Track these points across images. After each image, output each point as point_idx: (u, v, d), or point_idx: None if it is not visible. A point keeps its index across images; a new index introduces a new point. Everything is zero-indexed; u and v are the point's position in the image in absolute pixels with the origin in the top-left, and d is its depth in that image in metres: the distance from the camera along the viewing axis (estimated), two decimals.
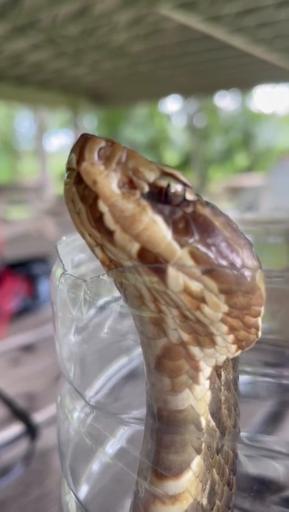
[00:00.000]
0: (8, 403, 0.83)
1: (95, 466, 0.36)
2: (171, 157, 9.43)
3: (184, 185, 0.25)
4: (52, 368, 1.02)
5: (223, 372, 0.27)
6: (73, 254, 0.35)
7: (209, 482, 0.27)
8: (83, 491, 0.35)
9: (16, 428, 0.77)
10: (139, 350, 0.28)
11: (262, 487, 0.39)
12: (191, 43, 2.84)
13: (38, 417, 0.80)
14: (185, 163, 8.77)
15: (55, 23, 2.34)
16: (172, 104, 9.18)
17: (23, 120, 9.78)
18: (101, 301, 0.29)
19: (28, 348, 1.14)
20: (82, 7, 2.15)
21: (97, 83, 4.36)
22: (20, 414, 0.80)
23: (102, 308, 0.29)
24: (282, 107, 11.46)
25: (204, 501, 0.27)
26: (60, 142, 10.10)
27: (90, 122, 8.39)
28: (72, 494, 0.33)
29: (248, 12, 2.29)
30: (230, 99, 8.81)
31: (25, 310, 1.37)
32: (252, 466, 0.39)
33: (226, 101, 8.98)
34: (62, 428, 0.34)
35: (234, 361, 0.28)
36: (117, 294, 0.27)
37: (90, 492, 0.35)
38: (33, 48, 2.87)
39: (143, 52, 3.04)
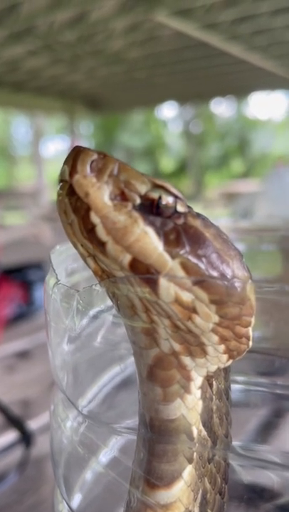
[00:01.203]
0: (3, 410, 0.82)
1: (88, 475, 0.35)
2: (167, 163, 9.44)
3: (175, 197, 0.25)
4: (47, 374, 1.01)
5: (214, 382, 0.27)
6: (67, 262, 0.35)
7: (201, 491, 0.27)
8: (76, 499, 0.35)
9: (11, 435, 0.77)
10: (132, 358, 0.28)
11: (255, 495, 0.39)
12: (187, 50, 2.85)
13: (33, 424, 0.79)
14: (181, 170, 8.79)
15: (52, 29, 2.35)
16: (168, 111, 9.22)
17: (19, 126, 9.80)
18: (94, 311, 0.29)
19: (23, 355, 1.14)
20: (78, 14, 2.16)
21: (93, 89, 4.37)
22: (15, 422, 0.79)
23: (95, 317, 0.29)
24: (277, 113, 11.53)
25: (196, 511, 0.27)
26: (56, 148, 10.11)
27: (86, 128, 8.40)
28: (65, 503, 0.33)
29: (244, 19, 2.31)
30: (226, 105, 8.86)
31: (21, 316, 1.36)
32: (245, 474, 0.39)
33: (221, 107, 9.03)
34: (55, 437, 0.34)
35: (225, 371, 0.28)
36: (109, 303, 0.27)
37: (83, 501, 0.35)
38: (30, 54, 2.88)
39: (139, 59, 3.05)
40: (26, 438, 0.74)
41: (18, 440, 0.75)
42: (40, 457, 0.72)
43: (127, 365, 0.32)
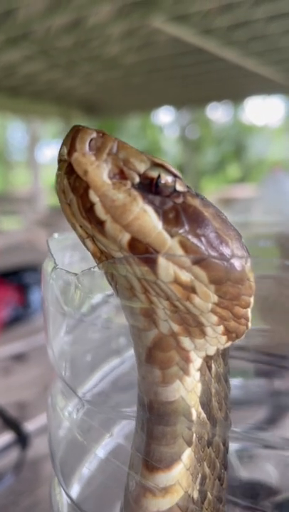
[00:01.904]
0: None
1: (87, 463, 0.36)
2: None
3: (174, 176, 0.25)
4: (43, 377, 1.02)
5: (213, 365, 0.27)
6: (64, 251, 0.35)
7: (200, 475, 0.27)
8: (75, 489, 0.35)
9: (7, 437, 0.77)
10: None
11: (254, 491, 0.39)
12: (184, 56, 2.86)
13: (29, 426, 0.79)
14: None
15: (49, 34, 2.35)
16: (165, 116, 9.22)
17: (15, 131, 9.79)
18: (93, 294, 0.29)
19: (19, 357, 1.14)
20: (75, 19, 2.16)
21: (89, 94, 4.38)
22: (11, 423, 0.80)
23: (94, 300, 0.29)
24: (273, 119, 11.56)
25: (195, 494, 0.27)
26: (52, 153, 10.10)
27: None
28: (64, 493, 0.33)
29: (240, 25, 2.31)
30: (222, 111, 8.87)
31: (17, 319, 1.36)
32: (245, 471, 0.39)
33: (218, 113, 9.04)
34: (53, 427, 0.34)
35: (224, 355, 0.28)
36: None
37: (82, 489, 0.35)
38: (26, 59, 2.88)
39: (136, 64, 3.05)
40: (22, 440, 0.74)
41: (14, 442, 0.75)
42: (37, 459, 0.72)
43: (125, 359, 0.33)
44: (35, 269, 1.51)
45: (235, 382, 0.31)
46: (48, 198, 6.82)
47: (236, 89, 4.32)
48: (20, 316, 1.38)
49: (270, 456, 0.42)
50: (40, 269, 1.01)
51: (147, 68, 3.19)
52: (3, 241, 3.05)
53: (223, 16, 2.16)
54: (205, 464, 0.27)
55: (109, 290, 0.27)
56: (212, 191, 7.46)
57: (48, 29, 2.29)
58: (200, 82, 3.82)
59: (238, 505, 0.33)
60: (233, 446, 0.48)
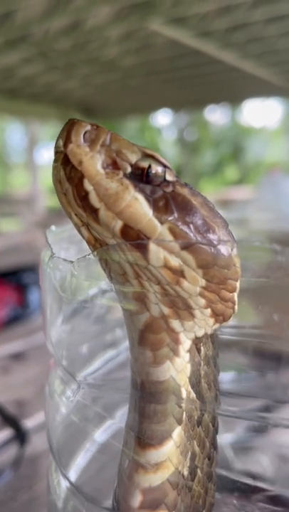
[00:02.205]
0: None
1: (86, 444, 0.37)
2: None
3: (164, 166, 0.27)
4: (42, 376, 1.02)
5: (202, 348, 0.29)
6: (61, 244, 0.36)
7: (190, 453, 0.29)
8: (72, 472, 0.36)
9: (6, 434, 0.78)
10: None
11: (247, 484, 0.40)
12: (182, 58, 2.86)
13: (28, 424, 0.80)
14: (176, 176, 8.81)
15: (47, 37, 2.35)
16: (163, 118, 9.23)
17: (14, 133, 9.80)
18: (87, 281, 0.30)
19: (17, 357, 1.15)
20: (73, 22, 2.16)
21: (88, 96, 4.38)
22: (10, 420, 0.81)
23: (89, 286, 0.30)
24: (271, 121, 11.56)
25: (185, 471, 0.29)
26: (50, 155, 10.11)
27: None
28: (62, 477, 0.34)
29: (238, 28, 2.31)
30: (220, 113, 8.88)
31: (16, 319, 1.37)
32: (239, 463, 0.40)
33: (216, 115, 9.05)
34: (50, 408, 0.36)
35: (213, 339, 0.30)
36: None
37: (80, 472, 0.37)
38: (25, 62, 2.88)
39: (134, 67, 3.06)
40: (21, 436, 0.76)
41: (13, 438, 0.76)
42: (35, 455, 0.73)
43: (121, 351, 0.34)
44: (33, 269, 1.51)
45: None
46: (47, 200, 6.83)
47: (234, 91, 4.33)
48: (18, 316, 1.39)
49: (265, 448, 0.43)
50: (39, 269, 1.03)
51: (145, 70, 3.20)
52: (2, 242, 3.05)
53: (221, 19, 2.16)
54: (195, 442, 0.29)
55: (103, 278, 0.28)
56: (210, 192, 7.47)
57: (46, 31, 2.29)
58: (198, 84, 3.82)
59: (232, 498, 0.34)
60: (228, 438, 0.49)
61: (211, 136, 9.51)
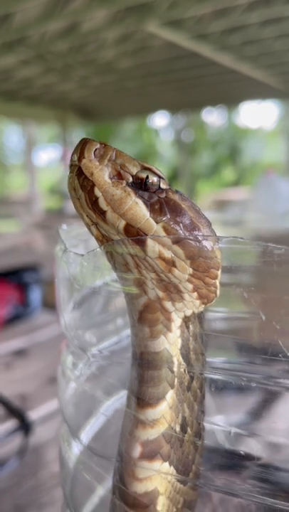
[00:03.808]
0: (4, 402, 0.86)
1: (92, 410, 0.41)
2: None
3: (159, 177, 0.33)
4: (43, 371, 1.05)
5: (191, 326, 0.34)
6: (71, 241, 0.40)
7: (181, 414, 0.34)
8: (84, 437, 0.40)
9: (11, 425, 0.80)
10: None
11: (238, 462, 0.42)
12: (178, 60, 2.88)
13: (31, 415, 0.83)
14: (173, 178, 8.80)
15: (44, 39, 2.37)
16: (160, 120, 9.25)
17: (11, 135, 9.81)
18: (95, 271, 0.35)
19: (20, 353, 1.17)
20: (70, 24, 2.18)
21: (85, 98, 4.40)
22: (14, 412, 0.83)
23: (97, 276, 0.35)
24: (267, 122, 11.60)
25: (177, 428, 0.34)
26: (48, 157, 10.14)
27: (78, 137, 8.38)
28: (74, 443, 0.38)
29: (234, 30, 2.34)
30: (217, 114, 8.90)
31: (17, 317, 1.40)
32: (228, 443, 0.42)
33: (213, 116, 9.07)
34: (63, 384, 0.39)
35: (200, 320, 0.35)
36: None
37: (92, 436, 0.41)
38: (22, 64, 2.90)
39: (131, 69, 3.08)
40: (26, 427, 0.78)
41: (17, 429, 0.79)
42: (39, 445, 0.76)
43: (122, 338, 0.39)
44: (34, 268, 1.53)
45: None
46: (45, 201, 6.85)
47: (231, 93, 4.34)
48: (20, 314, 1.41)
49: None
50: (40, 268, 1.07)
51: (142, 72, 3.22)
52: (2, 243, 3.07)
53: (217, 21, 2.19)
54: (185, 405, 0.35)
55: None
56: (207, 194, 7.50)
57: (43, 34, 2.31)
58: (195, 87, 3.84)
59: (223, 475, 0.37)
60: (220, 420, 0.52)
61: (208, 138, 9.52)
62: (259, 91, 4.13)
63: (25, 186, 7.04)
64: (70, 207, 5.30)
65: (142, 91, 3.95)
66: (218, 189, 8.25)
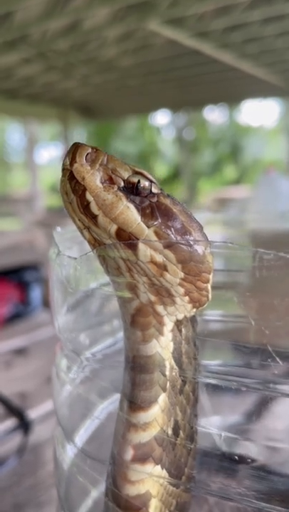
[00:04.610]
0: (3, 400, 0.86)
1: (86, 412, 0.41)
2: (161, 169, 9.46)
3: (150, 181, 0.32)
4: (43, 370, 1.06)
5: (183, 329, 0.34)
6: (65, 243, 0.40)
7: (173, 417, 0.34)
8: (78, 440, 0.40)
9: (10, 424, 0.80)
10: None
11: (234, 464, 0.42)
12: (180, 58, 2.88)
13: (31, 414, 0.83)
14: (174, 176, 8.80)
15: (46, 37, 2.37)
16: (162, 118, 9.25)
17: (13, 133, 9.81)
18: (88, 274, 0.35)
19: (20, 352, 1.18)
20: (72, 22, 2.18)
21: (86, 96, 4.40)
22: (14, 411, 0.83)
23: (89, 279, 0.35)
24: (269, 120, 11.58)
25: (169, 431, 0.34)
26: (50, 155, 10.15)
27: (79, 135, 8.40)
28: (68, 445, 0.39)
29: (235, 28, 2.33)
30: (218, 112, 8.89)
31: (17, 315, 1.40)
32: (226, 444, 0.43)
33: (214, 114, 9.06)
34: (57, 385, 0.40)
35: (193, 323, 0.35)
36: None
37: (86, 439, 0.41)
38: (24, 62, 2.90)
39: (132, 67, 3.08)
40: (25, 425, 0.78)
41: (16, 427, 0.79)
42: (38, 444, 0.76)
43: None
44: (34, 267, 1.54)
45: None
46: (46, 199, 6.85)
47: (232, 91, 4.34)
48: (20, 313, 1.41)
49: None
50: (40, 267, 1.07)
51: (144, 71, 3.22)
52: (3, 241, 3.07)
53: (218, 19, 2.18)
54: (177, 408, 0.35)
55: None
56: (208, 192, 7.49)
57: (45, 32, 2.31)
58: (196, 85, 3.83)
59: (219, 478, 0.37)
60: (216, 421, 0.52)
61: (210, 136, 9.51)
62: (260, 89, 4.12)
63: (26, 184, 7.05)
64: None
65: (144, 89, 3.95)
66: (220, 187, 8.24)
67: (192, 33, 2.36)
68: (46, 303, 1.48)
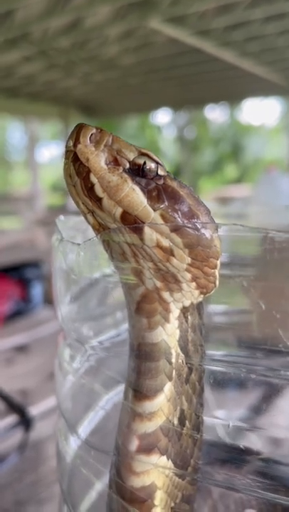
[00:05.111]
0: (5, 397, 0.86)
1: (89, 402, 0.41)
2: None
3: (157, 163, 0.31)
4: (44, 367, 1.06)
5: (189, 317, 0.33)
6: (68, 232, 0.40)
7: (179, 407, 0.34)
8: (82, 431, 0.40)
9: (11, 421, 0.80)
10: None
11: (238, 456, 0.42)
12: (181, 56, 2.88)
13: (32, 411, 0.83)
14: (175, 174, 8.73)
15: (47, 35, 2.37)
16: (163, 116, 9.24)
17: (14, 131, 9.81)
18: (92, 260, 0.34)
19: (21, 349, 1.18)
20: (73, 20, 2.18)
21: (88, 95, 4.39)
22: (15, 407, 0.83)
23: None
24: (270, 119, 11.57)
25: (175, 421, 0.33)
26: (51, 153, 10.13)
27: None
28: (71, 437, 0.38)
29: (237, 26, 2.33)
30: (219, 111, 8.89)
31: (19, 313, 1.40)
32: (229, 437, 0.42)
33: (215, 113, 9.06)
34: (60, 376, 0.39)
35: (199, 310, 0.34)
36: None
37: (90, 430, 0.41)
38: (25, 60, 2.89)
39: (133, 65, 3.07)
40: (26, 422, 0.78)
41: (18, 424, 0.79)
42: (39, 440, 0.76)
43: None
44: (36, 264, 1.54)
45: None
46: (47, 198, 6.85)
47: (233, 90, 4.34)
48: (21, 310, 1.41)
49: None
50: (41, 264, 1.07)
51: (145, 69, 3.21)
52: (4, 239, 3.07)
53: (219, 17, 2.18)
54: (183, 397, 0.34)
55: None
56: (209, 191, 7.49)
57: (46, 30, 2.31)
58: (197, 83, 3.83)
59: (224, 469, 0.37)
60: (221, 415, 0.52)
61: (211, 135, 9.50)
62: (262, 87, 4.12)
63: (27, 183, 7.04)
64: (72, 204, 5.30)
65: (145, 87, 3.95)
66: (221, 186, 8.23)
67: (193, 32, 2.36)
68: (47, 300, 1.49)
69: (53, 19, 2.13)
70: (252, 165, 9.10)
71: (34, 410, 0.85)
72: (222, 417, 0.52)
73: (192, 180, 7.45)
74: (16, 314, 1.39)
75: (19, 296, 1.41)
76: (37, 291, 1.46)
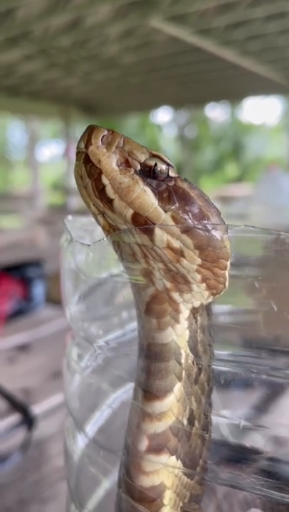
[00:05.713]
0: (8, 396, 0.86)
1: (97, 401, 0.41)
2: None
3: (168, 164, 0.32)
4: (46, 365, 1.06)
5: (199, 318, 0.34)
6: (77, 232, 0.40)
7: (188, 407, 0.34)
8: (89, 430, 0.40)
9: (14, 420, 0.80)
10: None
11: (242, 456, 0.42)
12: (182, 55, 2.88)
13: (35, 410, 0.83)
14: None
15: (48, 34, 2.37)
16: (163, 115, 9.24)
17: (14, 130, 9.80)
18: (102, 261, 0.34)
19: (23, 348, 1.18)
20: (74, 19, 2.18)
21: (88, 94, 4.40)
22: (18, 406, 0.83)
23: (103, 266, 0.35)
24: (271, 118, 11.57)
25: (185, 421, 0.34)
26: (51, 152, 10.13)
27: (81, 132, 8.35)
28: (79, 435, 0.38)
29: (238, 25, 2.34)
30: (220, 110, 8.88)
31: (20, 312, 1.40)
32: (233, 437, 0.42)
33: (216, 112, 9.05)
34: (69, 377, 0.40)
35: (208, 311, 0.35)
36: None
37: (97, 429, 0.41)
38: (25, 59, 2.90)
39: (134, 64, 3.08)
40: (29, 421, 0.78)
41: (21, 423, 0.79)
42: (42, 439, 0.76)
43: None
44: (37, 263, 1.54)
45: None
46: (47, 197, 6.84)
47: (234, 88, 4.34)
48: (23, 309, 1.41)
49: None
50: (43, 263, 1.07)
51: (146, 68, 3.22)
52: (5, 238, 3.07)
53: (220, 16, 2.19)
54: (192, 398, 0.34)
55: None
56: (210, 190, 7.49)
57: (46, 29, 2.31)
58: (198, 82, 3.84)
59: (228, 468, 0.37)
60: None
61: (211, 134, 9.50)
62: (262, 86, 4.12)
63: (28, 182, 7.04)
64: (73, 202, 5.32)
65: (145, 86, 3.95)
66: (221, 185, 8.22)
67: (194, 30, 2.37)
68: (49, 299, 1.49)
69: (53, 18, 2.13)
70: (252, 164, 9.10)
71: (37, 409, 0.85)
72: (227, 416, 0.52)
73: (193, 179, 7.43)
74: (18, 313, 1.39)
75: (21, 295, 1.41)
76: (38, 290, 1.46)
